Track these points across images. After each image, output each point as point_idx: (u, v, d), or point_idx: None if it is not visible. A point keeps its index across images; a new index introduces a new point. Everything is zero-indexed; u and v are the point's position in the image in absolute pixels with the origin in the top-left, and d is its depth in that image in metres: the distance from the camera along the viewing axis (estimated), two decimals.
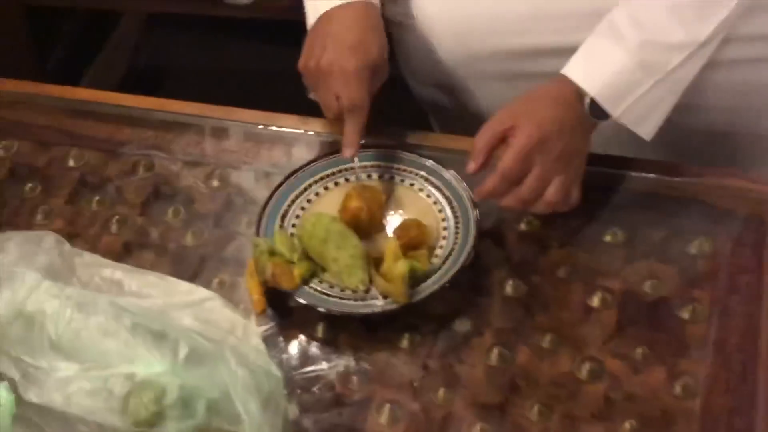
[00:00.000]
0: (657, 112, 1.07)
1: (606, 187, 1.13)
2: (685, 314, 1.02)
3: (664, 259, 1.06)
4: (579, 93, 1.05)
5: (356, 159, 1.12)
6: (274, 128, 1.22)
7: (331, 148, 1.16)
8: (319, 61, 1.11)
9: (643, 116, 1.06)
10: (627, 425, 0.94)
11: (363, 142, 1.11)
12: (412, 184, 1.12)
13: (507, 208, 1.05)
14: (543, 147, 1.02)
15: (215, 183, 1.18)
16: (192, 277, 1.09)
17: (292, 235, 1.07)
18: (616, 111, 1.05)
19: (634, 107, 1.05)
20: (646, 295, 1.04)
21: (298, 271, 1.03)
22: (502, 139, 1.05)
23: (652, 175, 1.13)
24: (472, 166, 1.05)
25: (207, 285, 1.08)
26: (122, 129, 1.25)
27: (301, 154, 1.19)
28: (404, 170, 1.13)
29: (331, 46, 1.10)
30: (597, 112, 1.05)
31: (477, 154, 1.05)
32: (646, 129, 1.07)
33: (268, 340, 1.03)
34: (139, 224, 1.15)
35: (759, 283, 1.02)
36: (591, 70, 1.05)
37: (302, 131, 1.21)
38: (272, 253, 1.04)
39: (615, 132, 1.08)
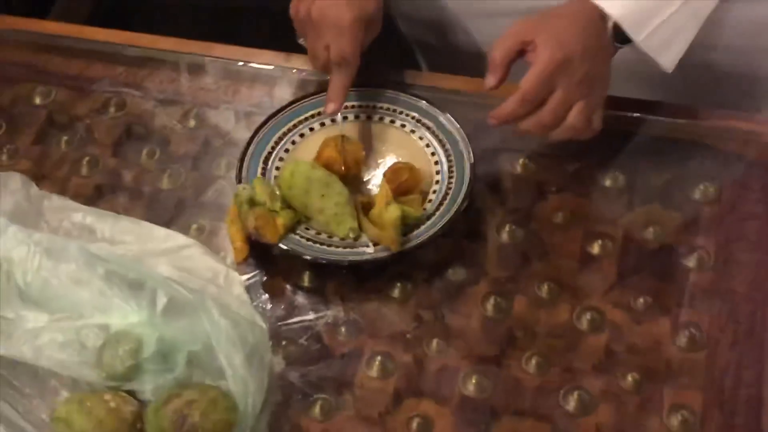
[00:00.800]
0: (679, 40, 1.01)
1: (605, 129, 1.06)
2: (690, 262, 0.97)
3: (667, 205, 1.01)
4: (602, 15, 0.98)
5: (339, 116, 1.05)
6: (254, 65, 1.15)
7: (318, 87, 1.10)
8: (310, 7, 1.04)
9: (666, 43, 1.00)
10: (629, 378, 0.90)
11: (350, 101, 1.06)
12: (403, 126, 1.06)
13: (524, 133, 0.99)
14: (566, 68, 0.95)
15: (192, 123, 1.11)
16: (168, 223, 1.03)
17: (275, 178, 1.01)
18: (639, 35, 0.98)
19: (658, 32, 0.98)
20: (648, 243, 0.99)
21: (282, 221, 0.96)
22: (521, 53, 0.98)
23: (654, 117, 1.07)
24: (490, 80, 0.98)
25: (185, 231, 1.02)
26: (92, 65, 1.17)
27: (284, 93, 1.13)
28: (396, 111, 1.06)
29: None
30: (619, 37, 0.99)
31: (495, 68, 0.98)
32: (668, 57, 1.01)
33: (251, 289, 0.97)
34: (111, 166, 1.09)
35: (766, 230, 0.98)
36: None
37: (285, 69, 1.14)
38: (253, 202, 0.97)
39: (628, 69, 1.02)
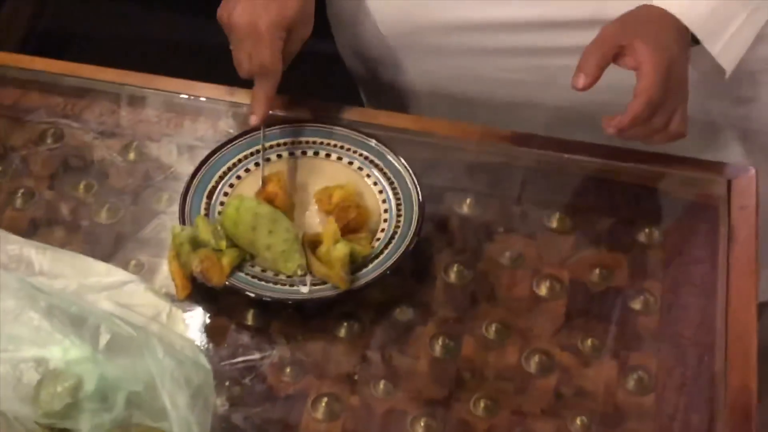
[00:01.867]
0: (742, 48, 1.02)
1: (552, 170, 1.07)
2: (637, 305, 0.97)
3: (613, 248, 1.02)
4: (680, 23, 0.99)
5: (262, 132, 1.03)
6: (197, 99, 1.13)
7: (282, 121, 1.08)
8: (231, 13, 1.01)
9: (735, 54, 1.01)
10: (578, 422, 0.89)
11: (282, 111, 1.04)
12: (351, 163, 1.04)
13: (630, 139, 0.98)
14: (671, 72, 0.95)
15: (132, 156, 1.08)
16: (107, 258, 0.99)
17: (219, 214, 0.98)
18: (714, 47, 0.99)
19: (731, 42, 1.00)
20: (595, 285, 0.99)
21: (228, 260, 0.93)
22: (613, 59, 0.96)
23: (600, 160, 1.08)
24: (582, 81, 0.94)
25: (123, 267, 0.98)
26: (29, 95, 1.13)
27: (228, 126, 1.11)
28: (344, 148, 1.05)
29: None
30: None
31: (590, 70, 0.94)
32: (731, 66, 1.02)
33: (193, 327, 0.94)
34: (48, 199, 1.05)
35: (713, 274, 0.99)
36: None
37: (228, 102, 1.12)
38: (196, 242, 0.94)
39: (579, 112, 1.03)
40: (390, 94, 1.25)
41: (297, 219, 0.99)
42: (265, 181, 1.00)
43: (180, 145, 1.09)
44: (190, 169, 1.03)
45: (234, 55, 1.03)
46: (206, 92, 1.13)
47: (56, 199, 1.05)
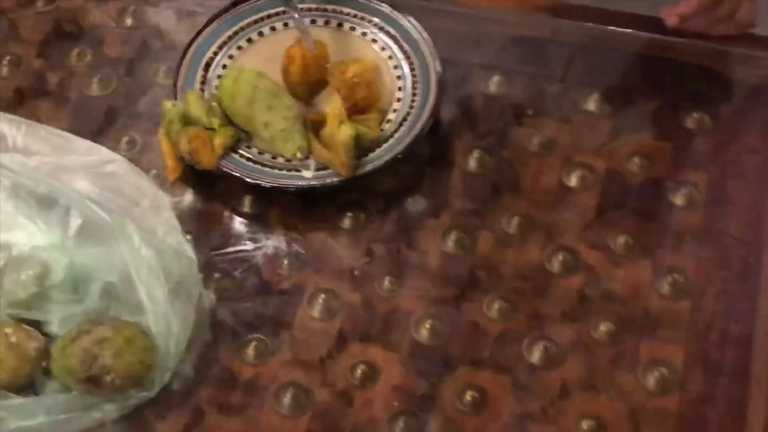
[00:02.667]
0: None
1: (591, 45, 0.95)
2: (678, 199, 0.86)
3: (656, 134, 0.90)
4: None
5: (297, 14, 0.92)
6: None
7: None
8: None
9: None
10: (602, 328, 0.80)
11: None
12: (363, 34, 0.93)
13: (692, 29, 0.90)
14: None
15: (129, 21, 0.99)
16: (96, 134, 0.92)
17: (216, 88, 0.89)
18: None
19: None
20: (633, 176, 0.88)
21: (220, 140, 0.85)
22: None
23: (646, 34, 0.95)
24: (674, 18, 0.89)
25: (115, 144, 0.91)
26: None
27: None
28: (354, 16, 0.94)
29: None
30: None
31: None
32: None
33: (183, 213, 0.86)
34: (36, 67, 0.96)
35: (766, 166, 0.87)
36: None
37: None
38: (187, 119, 0.85)
39: None
40: None
41: (303, 98, 0.90)
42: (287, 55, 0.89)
43: (179, 10, 0.99)
44: (189, 37, 0.94)
45: None
46: None
47: (45, 68, 0.96)
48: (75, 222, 0.75)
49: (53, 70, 0.96)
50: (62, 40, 0.98)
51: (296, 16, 0.91)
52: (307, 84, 0.89)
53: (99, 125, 0.92)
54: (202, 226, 0.86)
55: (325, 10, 0.94)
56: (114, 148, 0.90)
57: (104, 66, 0.96)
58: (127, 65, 0.96)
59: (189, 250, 0.80)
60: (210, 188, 0.88)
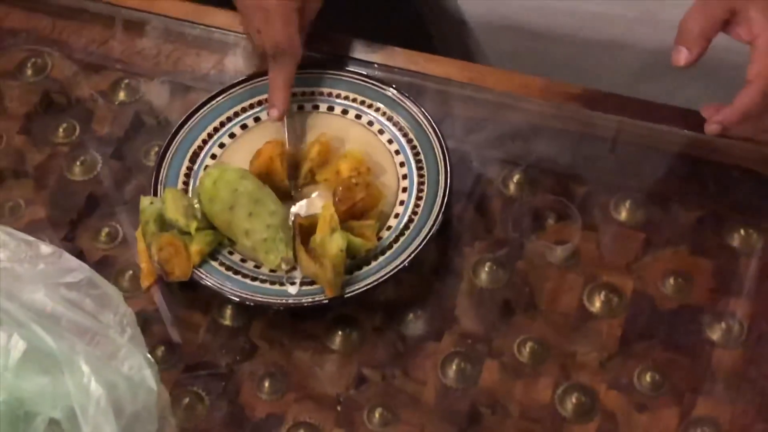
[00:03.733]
0: None
1: (626, 141, 0.85)
2: (716, 334, 0.75)
3: (695, 250, 0.79)
4: None
5: (285, 121, 0.84)
6: (204, 27, 0.94)
7: None
8: None
9: None
10: None
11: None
12: (371, 123, 0.84)
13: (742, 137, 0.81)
14: None
15: (121, 96, 0.91)
16: (76, 222, 0.84)
17: (198, 183, 0.80)
18: None
19: None
20: (665, 300, 0.77)
21: (197, 247, 0.76)
22: (721, 25, 0.77)
23: (688, 132, 0.84)
24: (684, 56, 0.77)
25: (93, 236, 0.83)
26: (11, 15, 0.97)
27: (238, 65, 0.92)
28: (358, 101, 0.84)
29: None
30: None
31: (693, 41, 0.77)
32: None
33: (156, 321, 0.78)
34: (18, 145, 0.89)
35: None
36: None
37: (241, 35, 0.93)
38: (163, 221, 0.77)
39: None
40: (453, 29, 1.02)
41: (300, 197, 0.81)
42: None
43: (175, 84, 0.91)
44: (183, 116, 0.85)
45: (243, 29, 0.88)
46: (215, 19, 0.94)
47: (27, 146, 0.89)
48: (17, 349, 0.66)
49: (37, 147, 0.88)
50: (48, 115, 0.90)
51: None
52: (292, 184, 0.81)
53: (79, 213, 0.85)
54: (176, 337, 0.78)
55: (321, 94, 0.85)
56: (92, 240, 0.83)
57: (90, 146, 0.88)
58: (115, 145, 0.88)
59: (150, 378, 0.71)
60: (189, 295, 0.79)
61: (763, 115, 0.76)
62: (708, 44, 0.77)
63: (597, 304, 0.77)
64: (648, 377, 0.74)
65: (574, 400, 0.73)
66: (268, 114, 0.82)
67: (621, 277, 0.78)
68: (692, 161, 0.83)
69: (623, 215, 0.81)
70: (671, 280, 0.78)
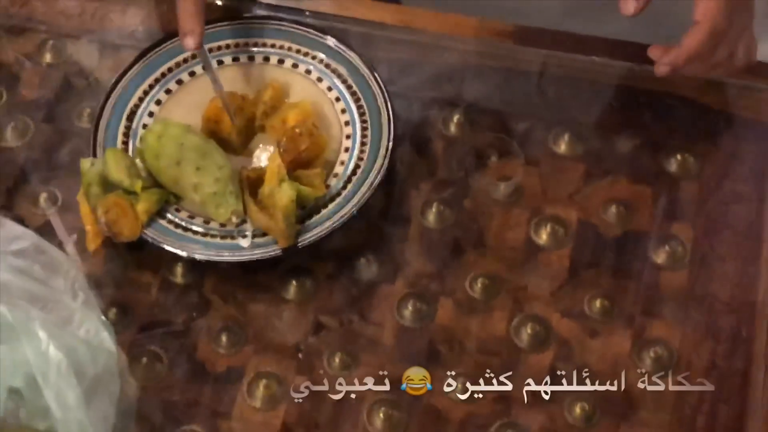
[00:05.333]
0: None
1: (563, 76, 0.86)
2: (660, 257, 0.77)
3: (634, 178, 0.81)
4: None
5: (205, 50, 0.81)
6: None
7: (219, 13, 0.87)
8: None
9: None
10: (577, 409, 0.72)
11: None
12: (308, 72, 0.83)
13: (688, 74, 0.81)
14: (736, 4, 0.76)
15: (47, 58, 0.89)
16: (12, 190, 0.82)
17: (141, 141, 0.79)
18: None
19: None
20: (609, 228, 0.79)
21: (144, 205, 0.75)
22: None
23: (621, 62, 0.86)
24: (632, 5, 0.76)
25: (32, 202, 0.81)
26: None
27: (166, 20, 0.90)
28: (299, 51, 0.84)
29: None
30: None
31: None
32: None
33: (107, 284, 0.77)
34: None
35: (759, 217, 0.78)
36: None
37: None
38: (107, 182, 0.76)
39: None
40: None
41: (244, 149, 0.81)
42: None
43: (104, 44, 0.89)
44: (115, 75, 0.84)
45: None
46: None
47: None
48: None
49: None
50: None
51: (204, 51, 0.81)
52: (239, 134, 0.80)
53: (15, 180, 0.83)
54: (129, 299, 0.77)
55: (256, 44, 0.84)
56: (31, 207, 0.81)
57: (20, 111, 0.86)
58: (45, 109, 0.86)
59: (108, 340, 0.70)
60: (138, 254, 0.78)
61: (711, 53, 0.77)
62: None
63: (544, 237, 0.79)
64: (598, 304, 0.76)
65: (528, 330, 0.75)
66: (182, 44, 0.80)
67: (565, 209, 0.80)
68: (626, 91, 0.85)
69: (562, 148, 0.83)
70: (613, 208, 0.80)
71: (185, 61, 0.83)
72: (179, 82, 0.83)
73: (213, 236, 0.76)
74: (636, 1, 0.76)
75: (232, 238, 0.76)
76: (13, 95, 0.87)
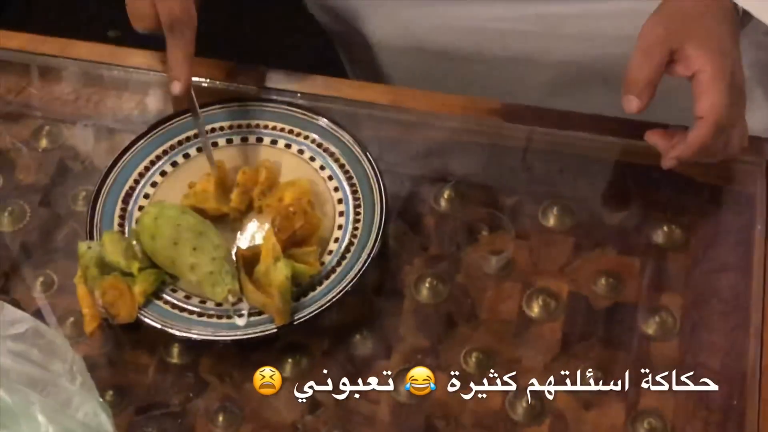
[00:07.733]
0: None
1: (549, 151, 0.88)
2: (651, 328, 0.78)
3: (623, 251, 0.83)
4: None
5: (194, 99, 0.84)
6: (122, 68, 0.94)
7: (211, 97, 0.88)
8: None
9: None
10: None
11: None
12: (301, 151, 0.85)
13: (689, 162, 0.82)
14: (734, 83, 0.77)
15: (43, 143, 0.90)
16: (10, 274, 0.83)
17: (137, 224, 0.80)
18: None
19: None
20: (599, 299, 0.80)
21: (141, 287, 0.76)
22: (666, 65, 0.79)
23: (606, 137, 0.88)
24: (635, 104, 0.78)
25: (29, 286, 0.82)
26: None
27: (160, 104, 0.92)
28: (292, 132, 0.86)
29: None
30: None
31: (642, 89, 0.78)
32: None
33: (104, 366, 0.77)
34: None
35: (746, 287, 0.79)
36: None
37: (161, 74, 0.93)
38: (104, 264, 0.77)
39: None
40: (364, 52, 1.04)
41: (239, 228, 0.82)
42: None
43: (99, 128, 0.91)
44: (111, 159, 0.85)
45: (128, 3, 0.84)
46: (133, 60, 0.94)
47: None
48: None
49: None
50: None
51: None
52: (233, 211, 0.82)
53: (12, 264, 0.84)
54: (125, 380, 0.77)
55: (249, 126, 0.86)
56: (28, 291, 0.82)
57: (16, 195, 0.87)
58: (42, 193, 0.87)
59: (106, 423, 0.70)
60: (134, 335, 0.79)
61: (714, 146, 0.78)
62: (655, 89, 0.78)
63: (536, 309, 0.80)
64: (591, 375, 0.77)
65: (524, 404, 0.75)
66: (170, 89, 0.82)
67: (556, 281, 0.81)
68: (612, 165, 0.87)
69: (551, 222, 0.84)
70: (603, 280, 0.81)
71: (180, 143, 0.85)
72: (174, 164, 0.85)
73: (210, 316, 0.77)
74: (639, 100, 0.78)
75: (229, 317, 0.77)
76: (9, 180, 0.88)
